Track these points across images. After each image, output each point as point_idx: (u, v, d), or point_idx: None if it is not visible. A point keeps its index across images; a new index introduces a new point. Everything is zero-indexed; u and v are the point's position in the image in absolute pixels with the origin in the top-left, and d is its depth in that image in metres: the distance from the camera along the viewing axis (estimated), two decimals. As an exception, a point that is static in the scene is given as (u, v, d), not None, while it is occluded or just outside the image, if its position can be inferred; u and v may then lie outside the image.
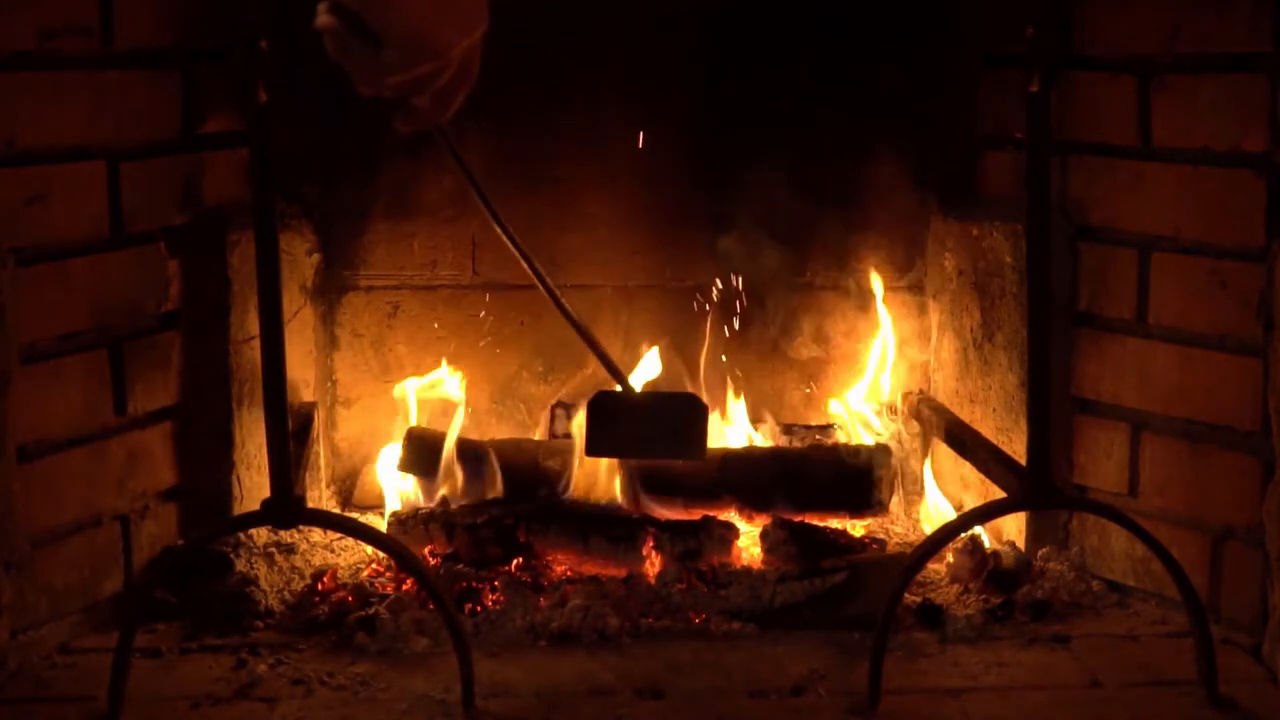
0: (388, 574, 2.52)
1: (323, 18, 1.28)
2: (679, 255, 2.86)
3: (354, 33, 1.27)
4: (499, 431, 2.85)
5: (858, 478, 2.64)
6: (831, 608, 2.38)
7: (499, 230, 1.93)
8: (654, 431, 2.28)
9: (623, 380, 2.18)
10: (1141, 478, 2.48)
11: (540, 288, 2.03)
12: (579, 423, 2.69)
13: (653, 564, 2.48)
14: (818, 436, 2.83)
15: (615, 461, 2.62)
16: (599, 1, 2.74)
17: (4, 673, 2.21)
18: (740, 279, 2.86)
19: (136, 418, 2.44)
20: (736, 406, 2.84)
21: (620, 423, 2.27)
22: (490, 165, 2.81)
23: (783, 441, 2.81)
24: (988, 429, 2.62)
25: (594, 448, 2.31)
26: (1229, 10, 2.27)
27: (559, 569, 2.50)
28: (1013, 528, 2.63)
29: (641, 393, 2.28)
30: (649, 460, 2.51)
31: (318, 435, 2.74)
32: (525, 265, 1.99)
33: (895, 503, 2.75)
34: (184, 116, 2.49)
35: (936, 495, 2.77)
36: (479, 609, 2.38)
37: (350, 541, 2.64)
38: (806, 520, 2.59)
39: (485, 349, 2.88)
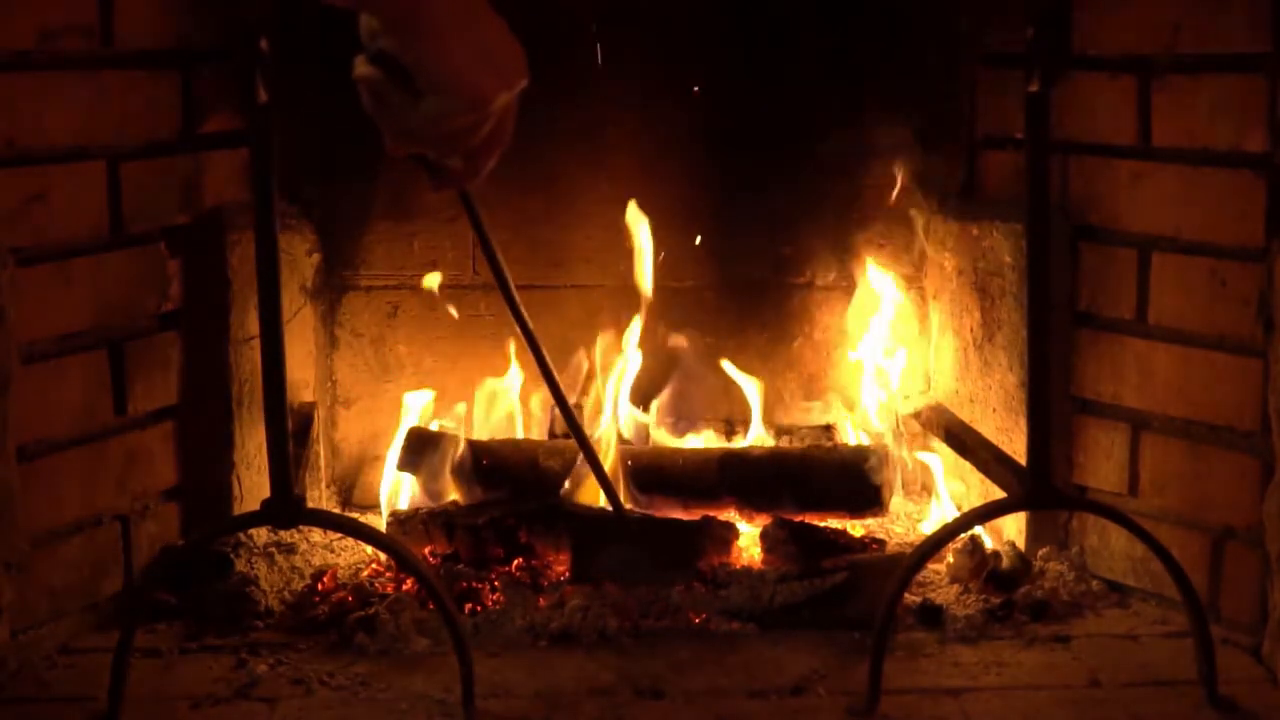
0: (388, 574, 2.52)
1: (361, 68, 1.27)
2: (679, 255, 2.86)
3: (394, 83, 1.26)
4: (499, 432, 2.85)
5: (858, 478, 2.63)
6: (831, 608, 2.38)
7: (513, 314, 1.91)
8: (644, 557, 2.33)
9: (616, 501, 2.21)
10: (1141, 478, 2.48)
11: (546, 383, 2.03)
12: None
13: (652, 564, 2.48)
14: (818, 437, 2.83)
15: (614, 463, 2.62)
16: (599, 2, 2.74)
17: (4, 673, 2.21)
18: (740, 279, 2.87)
19: (136, 418, 2.44)
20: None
21: (611, 547, 2.33)
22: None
23: (781, 442, 2.81)
24: (988, 429, 2.62)
25: (581, 572, 2.35)
26: (1229, 10, 2.27)
27: (559, 569, 2.50)
28: (1013, 528, 2.63)
29: (633, 517, 2.34)
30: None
31: (318, 435, 2.74)
32: (534, 354, 1.98)
33: (895, 503, 2.75)
34: (184, 116, 2.49)
35: (937, 495, 2.77)
36: (479, 609, 2.38)
37: (350, 541, 2.64)
38: (806, 520, 2.58)
39: (485, 349, 2.88)
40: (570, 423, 2.06)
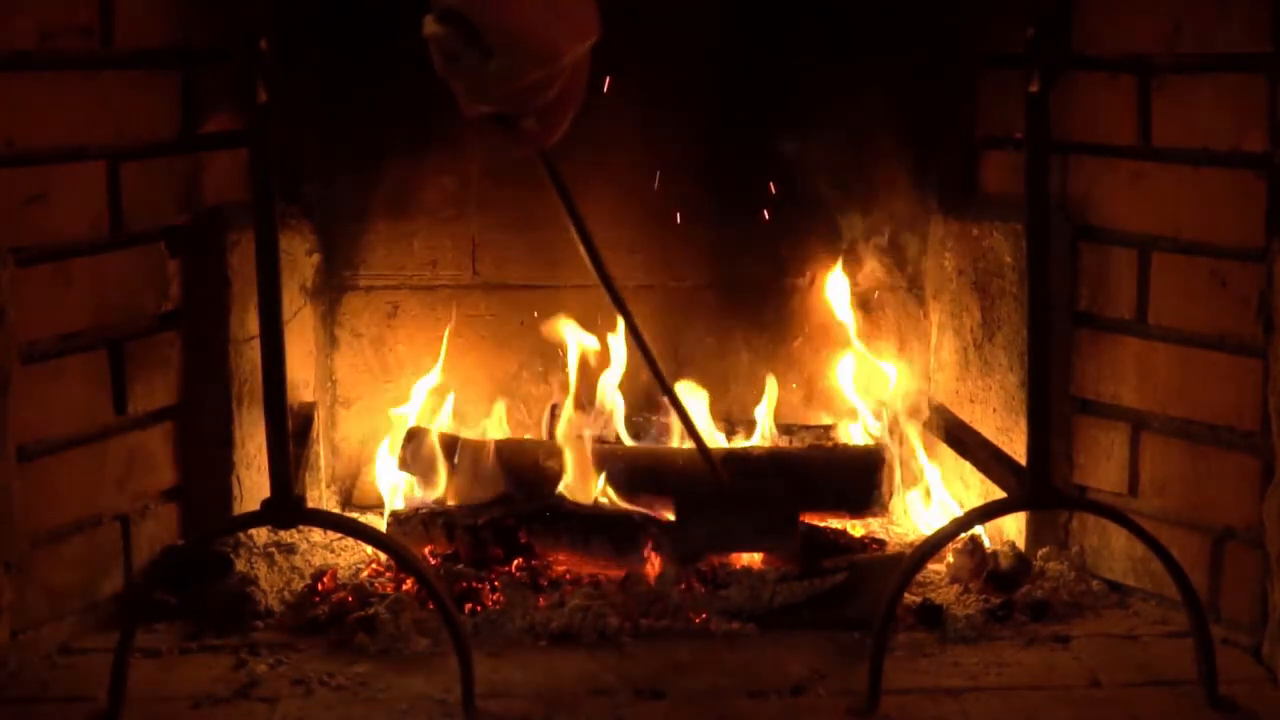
0: (388, 574, 2.52)
1: (431, 27, 1.26)
2: (679, 255, 2.86)
3: (463, 41, 1.25)
4: (499, 431, 2.85)
5: (857, 478, 2.63)
6: (831, 608, 2.38)
7: (597, 275, 1.90)
8: (743, 525, 2.31)
9: (715, 469, 2.19)
10: (1141, 478, 2.48)
11: (647, 365, 2.02)
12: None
13: (653, 565, 2.48)
14: (818, 437, 2.83)
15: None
16: (600, 2, 2.73)
17: (4, 673, 2.21)
18: (740, 279, 2.87)
19: (136, 418, 2.44)
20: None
21: (708, 516, 2.31)
22: (491, 164, 2.82)
23: (781, 442, 2.81)
24: (988, 429, 2.62)
25: (683, 544, 2.33)
26: (1229, 10, 2.27)
27: (559, 569, 2.50)
28: (1013, 528, 2.63)
29: (730, 484, 2.32)
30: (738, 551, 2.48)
31: (318, 435, 2.74)
32: (630, 331, 1.98)
33: (895, 503, 2.75)
34: (184, 116, 2.49)
35: (937, 495, 2.77)
36: (479, 609, 2.38)
37: (350, 541, 2.64)
38: (807, 520, 2.58)
39: (485, 349, 2.88)
40: (663, 385, 2.05)
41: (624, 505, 2.59)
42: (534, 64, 1.27)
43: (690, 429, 2.14)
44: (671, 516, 2.57)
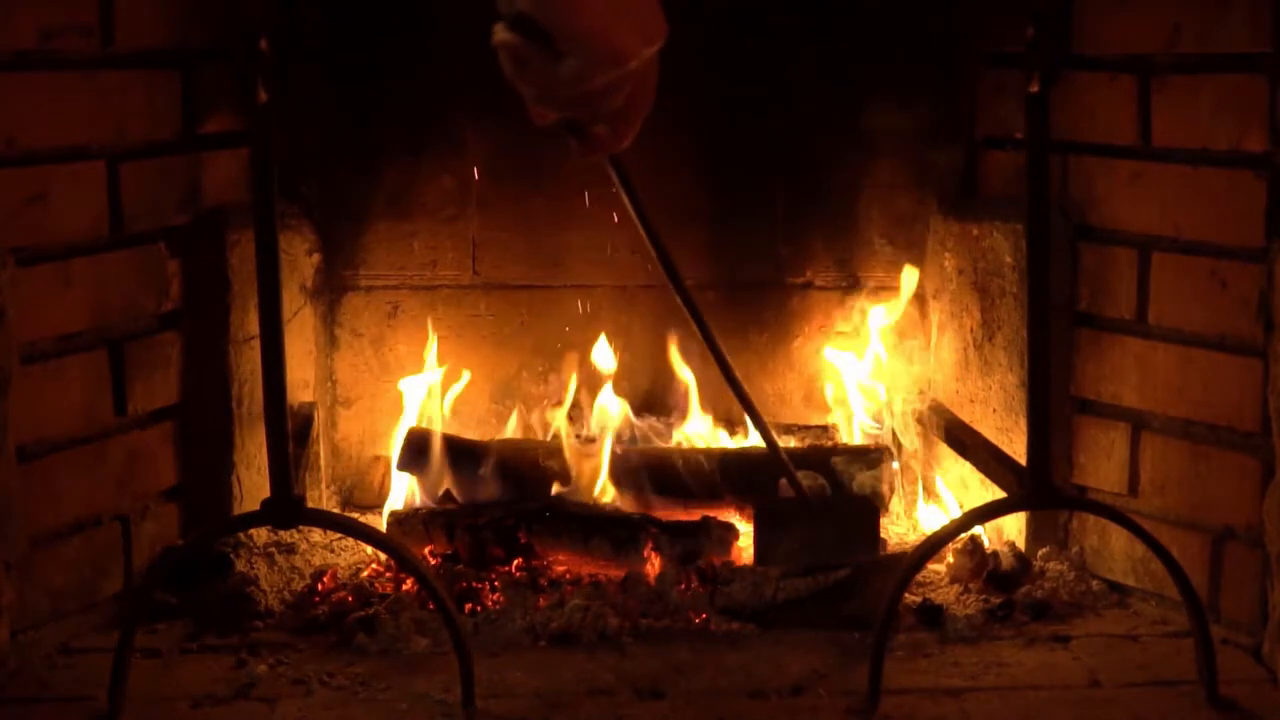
0: (388, 574, 2.52)
1: (501, 34, 1.26)
2: (679, 255, 2.85)
3: (533, 46, 1.25)
4: (499, 431, 2.85)
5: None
6: (831, 607, 2.38)
7: (671, 281, 1.90)
8: (825, 539, 2.31)
9: (800, 491, 2.20)
10: (1141, 478, 2.48)
11: (726, 380, 2.03)
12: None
13: (653, 565, 2.48)
14: (818, 436, 2.83)
15: (610, 463, 2.63)
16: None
17: (4, 673, 2.21)
18: (740, 279, 2.87)
19: (136, 418, 2.44)
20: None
21: (791, 530, 2.31)
22: (491, 164, 2.82)
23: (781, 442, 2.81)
24: (988, 429, 2.62)
25: (764, 556, 2.34)
26: (1229, 10, 2.27)
27: (559, 569, 2.50)
28: (1013, 528, 2.63)
29: (812, 499, 2.33)
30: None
31: (318, 435, 2.74)
32: (705, 340, 1.99)
33: (895, 503, 2.75)
34: (184, 116, 2.49)
35: (937, 495, 2.77)
36: (479, 609, 2.38)
37: (350, 541, 2.64)
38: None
39: (485, 349, 2.88)
40: (744, 403, 2.05)
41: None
42: (603, 66, 1.27)
43: (770, 443, 2.14)
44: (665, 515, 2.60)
